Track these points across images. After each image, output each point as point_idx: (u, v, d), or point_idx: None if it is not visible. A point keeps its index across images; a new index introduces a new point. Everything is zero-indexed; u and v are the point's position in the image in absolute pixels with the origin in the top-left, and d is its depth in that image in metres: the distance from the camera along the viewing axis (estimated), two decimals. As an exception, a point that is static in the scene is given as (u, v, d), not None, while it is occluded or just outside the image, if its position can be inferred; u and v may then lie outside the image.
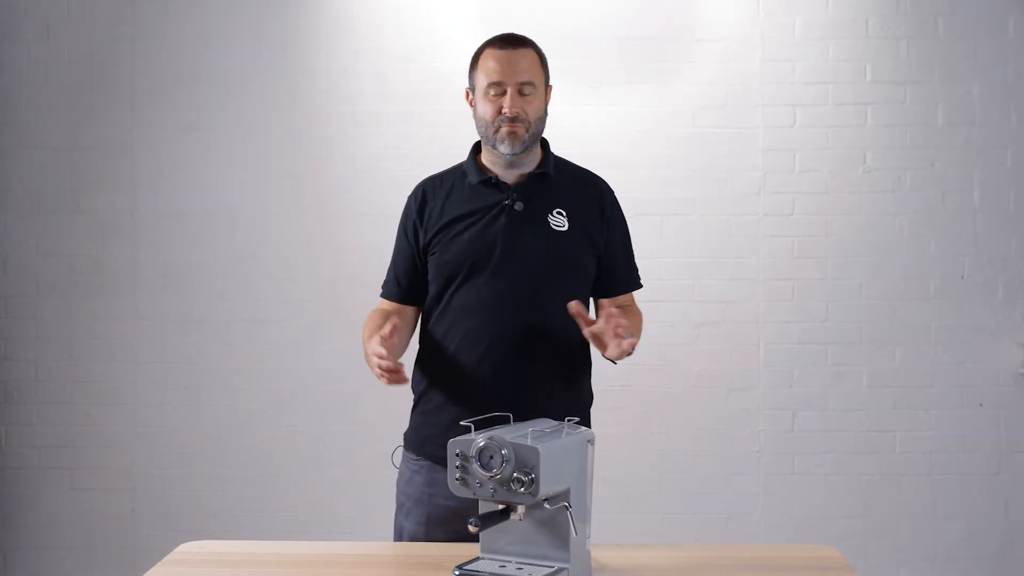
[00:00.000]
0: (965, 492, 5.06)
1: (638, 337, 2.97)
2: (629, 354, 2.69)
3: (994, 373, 5.05)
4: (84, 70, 5.14)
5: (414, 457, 2.95)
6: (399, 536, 2.95)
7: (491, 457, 2.26)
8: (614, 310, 2.69)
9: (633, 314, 3.10)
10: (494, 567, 2.36)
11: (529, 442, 2.25)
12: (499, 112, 2.82)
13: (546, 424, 2.48)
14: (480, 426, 2.37)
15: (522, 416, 2.59)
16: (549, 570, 2.32)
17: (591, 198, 3.00)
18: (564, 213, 2.91)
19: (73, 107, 5.14)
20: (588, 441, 2.41)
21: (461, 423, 2.38)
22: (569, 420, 2.44)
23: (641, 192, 5.06)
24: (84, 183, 5.14)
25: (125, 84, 5.13)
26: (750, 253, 5.07)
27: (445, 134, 4.93)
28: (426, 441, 2.92)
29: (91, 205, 5.14)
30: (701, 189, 5.08)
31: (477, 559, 2.42)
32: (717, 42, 5.07)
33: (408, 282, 2.97)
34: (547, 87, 2.94)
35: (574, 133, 5.05)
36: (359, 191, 5.05)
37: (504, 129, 2.82)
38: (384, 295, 3.03)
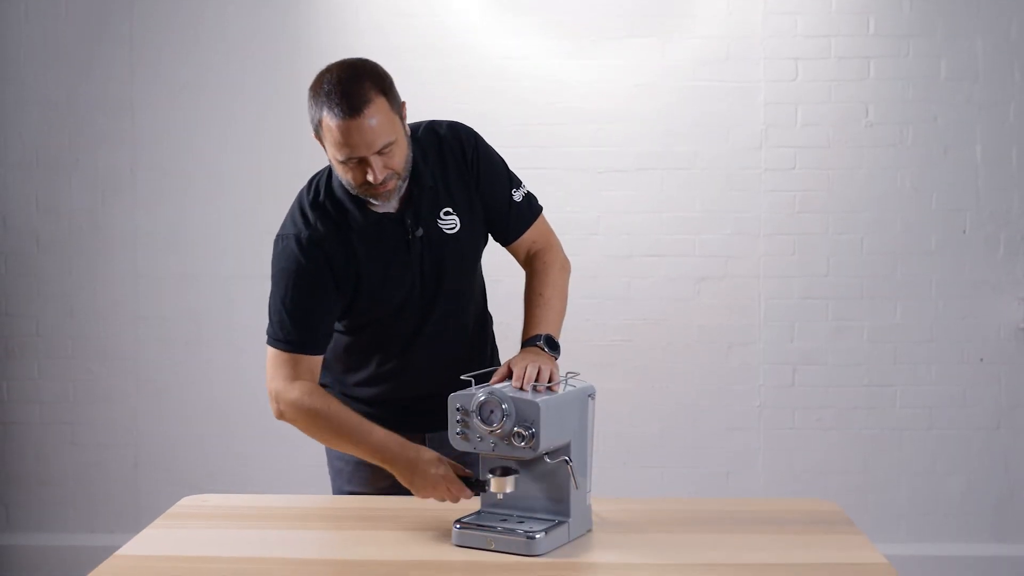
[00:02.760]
0: (965, 447, 5.07)
1: (561, 303, 2.81)
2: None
3: (995, 328, 5.05)
4: (83, 25, 5.11)
5: None
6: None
7: (491, 412, 2.26)
8: (520, 374, 2.39)
9: (550, 272, 2.84)
10: (495, 521, 2.36)
11: (529, 397, 2.25)
12: (364, 180, 2.49)
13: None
14: (479, 380, 2.38)
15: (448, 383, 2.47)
16: (550, 523, 2.33)
17: (453, 165, 2.72)
18: (451, 210, 2.70)
19: (72, 63, 5.12)
20: (588, 395, 2.41)
21: (462, 377, 2.38)
22: (569, 374, 2.44)
23: (642, 146, 5.04)
24: (84, 140, 5.12)
25: (124, 40, 5.11)
26: (751, 207, 5.06)
27: (447, 91, 4.93)
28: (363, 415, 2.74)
29: (91, 162, 5.13)
30: (702, 143, 5.06)
31: (478, 513, 2.43)
32: (719, -5, 5.05)
33: (325, 328, 2.68)
34: (402, 116, 2.55)
35: (575, 88, 5.04)
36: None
37: (377, 191, 2.51)
38: (308, 351, 2.65)
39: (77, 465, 5.18)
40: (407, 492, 2.58)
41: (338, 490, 2.94)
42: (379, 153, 2.45)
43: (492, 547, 2.29)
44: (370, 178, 2.47)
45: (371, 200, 2.57)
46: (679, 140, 5.06)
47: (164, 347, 5.15)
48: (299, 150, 5.06)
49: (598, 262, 5.02)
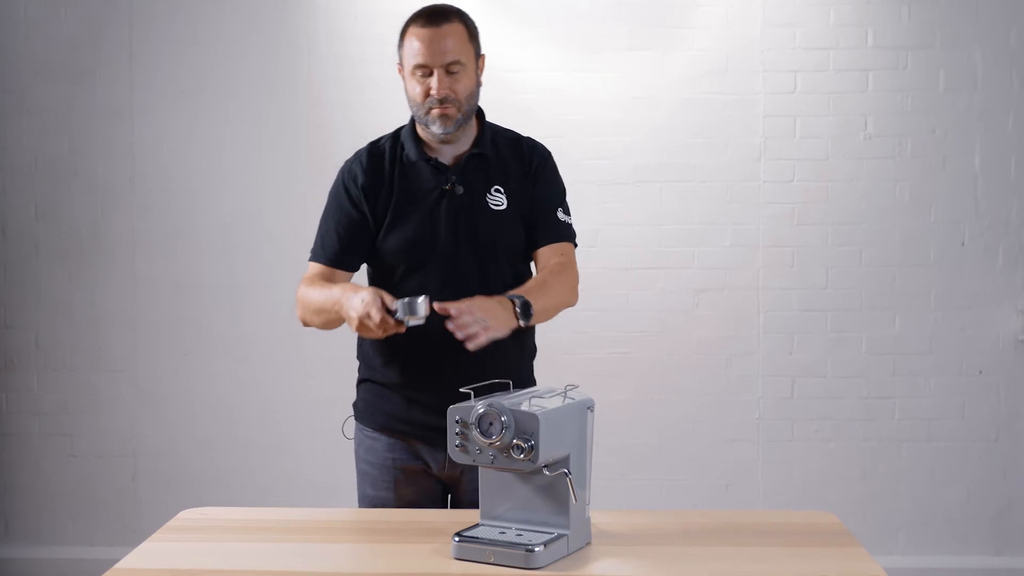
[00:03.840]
0: (964, 458, 5.07)
1: (556, 298, 2.88)
2: (503, 335, 2.66)
3: (994, 339, 5.05)
4: (82, 33, 5.12)
5: (369, 428, 2.97)
6: (366, 504, 2.98)
7: (491, 424, 2.26)
8: (459, 307, 2.57)
9: (560, 275, 2.93)
10: (494, 533, 2.36)
11: (529, 409, 2.25)
12: (428, 94, 2.77)
13: (546, 390, 2.48)
14: (479, 393, 2.37)
15: (475, 372, 2.62)
16: (549, 536, 2.32)
17: (521, 162, 2.96)
18: (502, 190, 2.89)
19: (71, 71, 5.13)
20: (588, 407, 2.41)
21: (460, 390, 2.38)
22: (569, 387, 2.44)
23: (641, 158, 5.05)
24: (83, 148, 5.13)
25: (123, 48, 5.12)
26: (750, 219, 5.07)
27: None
28: (386, 418, 2.93)
29: (90, 170, 5.13)
30: (701, 155, 5.07)
31: (477, 525, 2.43)
32: (718, 7, 5.05)
33: (347, 245, 2.90)
34: (478, 59, 2.88)
35: (575, 99, 5.05)
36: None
37: (435, 111, 2.78)
38: (319, 259, 2.92)
39: (76, 477, 5.18)
40: (433, 501, 2.85)
41: (362, 493, 3.01)
42: (447, 72, 2.76)
43: (491, 560, 2.29)
44: (432, 90, 2.75)
45: (428, 124, 2.81)
46: (678, 152, 5.07)
47: (163, 357, 5.15)
48: (298, 158, 5.09)
49: (597, 274, 5.01)
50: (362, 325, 2.60)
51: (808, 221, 5.06)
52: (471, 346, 2.59)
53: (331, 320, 2.80)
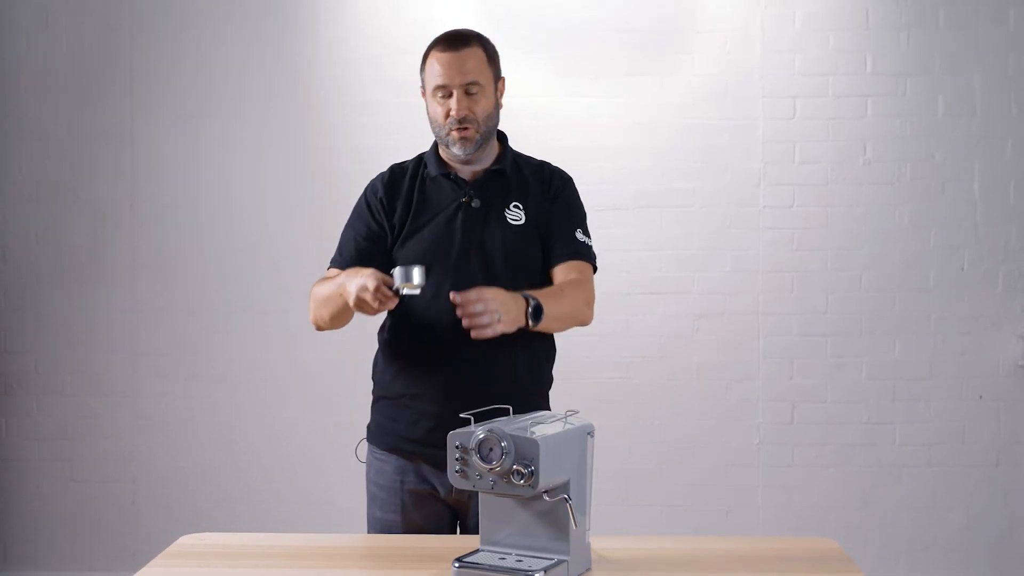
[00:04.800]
0: (964, 483, 5.07)
1: (569, 308, 2.90)
2: (509, 330, 2.68)
3: (993, 365, 5.05)
4: (83, 59, 5.14)
5: (380, 450, 2.98)
6: (374, 527, 2.98)
7: (491, 449, 2.26)
8: (471, 295, 2.61)
9: (576, 286, 2.95)
10: (494, 559, 2.36)
11: (529, 434, 2.25)
12: (448, 115, 2.85)
13: (546, 416, 2.48)
14: (479, 418, 2.37)
15: (486, 397, 2.66)
16: (549, 562, 2.32)
17: (543, 183, 3.02)
18: (520, 206, 2.95)
19: (72, 96, 5.14)
20: (588, 433, 2.41)
21: (461, 415, 2.38)
22: (569, 412, 2.44)
23: (641, 184, 5.06)
24: (83, 173, 5.14)
25: (124, 73, 5.13)
26: (750, 244, 5.07)
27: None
28: (396, 438, 2.95)
29: (90, 195, 5.14)
30: (701, 180, 5.08)
31: (477, 551, 2.42)
32: (717, 33, 5.07)
33: (365, 253, 2.93)
34: (498, 82, 2.95)
35: (574, 124, 5.06)
36: (358, 180, 5.02)
37: (455, 132, 2.85)
38: (336, 264, 2.97)
39: (76, 502, 5.16)
40: (442, 527, 2.89)
41: (371, 516, 3.00)
42: (466, 93, 2.84)
43: (491, 586, 2.29)
44: (452, 110, 2.83)
45: (449, 145, 2.88)
46: (678, 177, 5.08)
47: (163, 382, 5.15)
48: (299, 182, 5.10)
49: (597, 299, 4.99)
50: (359, 301, 2.62)
51: (808, 246, 5.07)
52: (475, 335, 2.61)
53: (338, 309, 2.82)
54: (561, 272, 2.95)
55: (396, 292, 2.59)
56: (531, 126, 5.03)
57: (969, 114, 5.05)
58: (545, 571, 2.28)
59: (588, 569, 2.43)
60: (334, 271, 2.94)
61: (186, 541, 2.74)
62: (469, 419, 2.35)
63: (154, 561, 2.55)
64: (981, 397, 5.05)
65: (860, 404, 5.07)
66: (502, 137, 3.04)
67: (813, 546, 2.66)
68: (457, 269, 2.86)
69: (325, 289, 2.86)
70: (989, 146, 5.05)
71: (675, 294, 5.08)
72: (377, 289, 2.58)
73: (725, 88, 5.08)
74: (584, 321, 2.97)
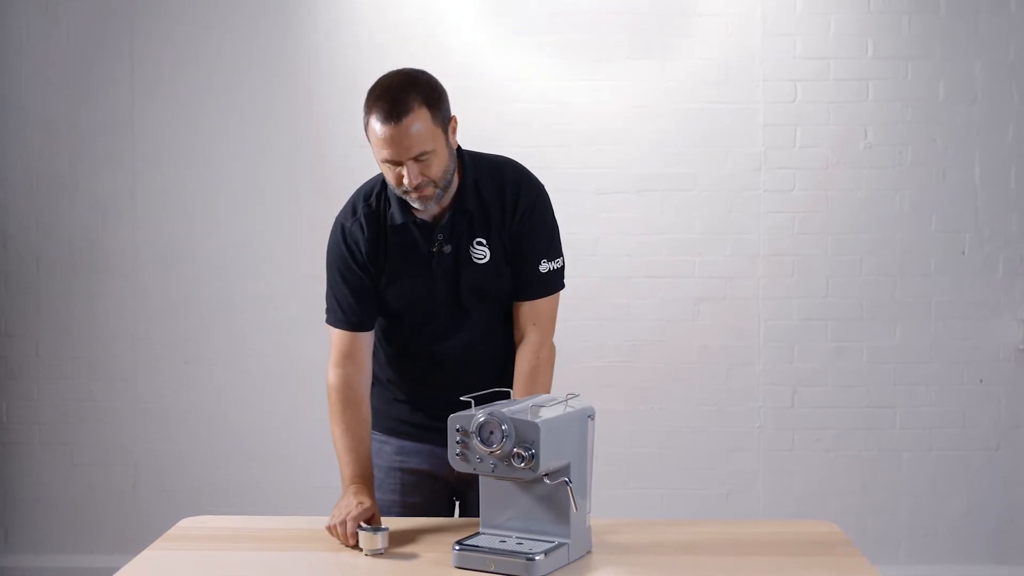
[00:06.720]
0: (965, 468, 5.07)
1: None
2: None
3: (994, 349, 5.05)
4: (84, 47, 5.12)
5: (379, 432, 3.00)
6: None
7: (491, 432, 2.26)
8: None
9: (542, 375, 2.89)
10: (494, 542, 2.36)
11: (529, 417, 2.25)
12: (401, 181, 2.65)
13: (546, 399, 2.48)
14: (480, 401, 2.38)
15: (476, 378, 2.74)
16: (549, 545, 2.32)
17: (505, 209, 2.85)
18: (484, 242, 2.82)
19: (72, 85, 5.13)
20: (588, 416, 2.41)
21: (461, 399, 2.39)
22: (569, 395, 2.44)
23: (642, 168, 5.05)
24: (84, 161, 5.13)
25: (124, 62, 5.12)
26: (751, 229, 5.07)
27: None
28: (395, 422, 3.00)
29: (91, 184, 5.13)
30: (702, 165, 5.07)
31: (477, 534, 2.43)
32: (718, 17, 5.05)
33: (365, 309, 2.86)
34: (447, 130, 2.70)
35: (575, 109, 5.05)
36: (359, 168, 5.02)
37: (412, 195, 2.67)
38: (341, 325, 2.87)
39: (76, 486, 5.17)
40: (440, 506, 2.93)
41: None
42: (416, 160, 2.62)
43: (492, 569, 2.29)
44: (405, 182, 2.63)
45: (410, 202, 2.74)
46: (678, 161, 5.07)
47: (163, 367, 5.15)
48: (300, 171, 5.09)
49: (597, 283, 5.02)
50: (332, 526, 2.59)
51: (808, 230, 5.06)
52: None
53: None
54: (524, 312, 2.88)
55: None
56: (531, 110, 5.03)
57: (970, 100, 5.04)
58: (545, 554, 2.28)
59: (588, 552, 2.43)
60: (339, 334, 2.87)
61: (186, 524, 2.74)
62: (470, 402, 2.35)
63: (155, 544, 2.56)
64: (981, 381, 5.05)
65: (861, 389, 5.07)
66: (459, 153, 2.86)
67: (813, 529, 2.67)
68: (446, 307, 2.85)
69: (338, 443, 2.93)
70: (990, 131, 5.04)
71: (676, 278, 5.08)
72: (347, 533, 2.53)
73: (726, 72, 5.07)
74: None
